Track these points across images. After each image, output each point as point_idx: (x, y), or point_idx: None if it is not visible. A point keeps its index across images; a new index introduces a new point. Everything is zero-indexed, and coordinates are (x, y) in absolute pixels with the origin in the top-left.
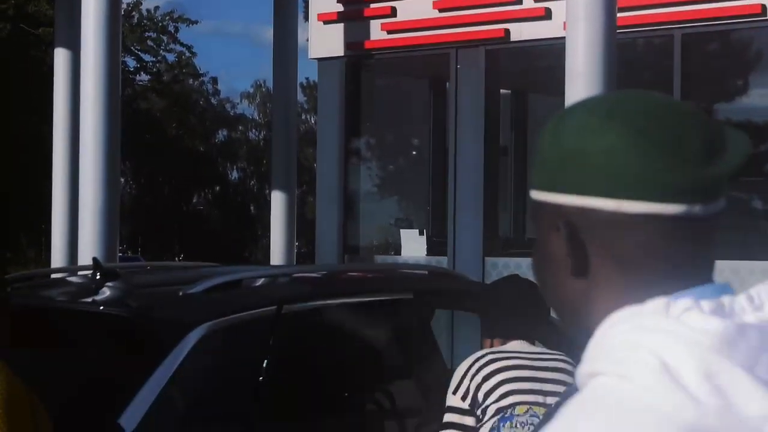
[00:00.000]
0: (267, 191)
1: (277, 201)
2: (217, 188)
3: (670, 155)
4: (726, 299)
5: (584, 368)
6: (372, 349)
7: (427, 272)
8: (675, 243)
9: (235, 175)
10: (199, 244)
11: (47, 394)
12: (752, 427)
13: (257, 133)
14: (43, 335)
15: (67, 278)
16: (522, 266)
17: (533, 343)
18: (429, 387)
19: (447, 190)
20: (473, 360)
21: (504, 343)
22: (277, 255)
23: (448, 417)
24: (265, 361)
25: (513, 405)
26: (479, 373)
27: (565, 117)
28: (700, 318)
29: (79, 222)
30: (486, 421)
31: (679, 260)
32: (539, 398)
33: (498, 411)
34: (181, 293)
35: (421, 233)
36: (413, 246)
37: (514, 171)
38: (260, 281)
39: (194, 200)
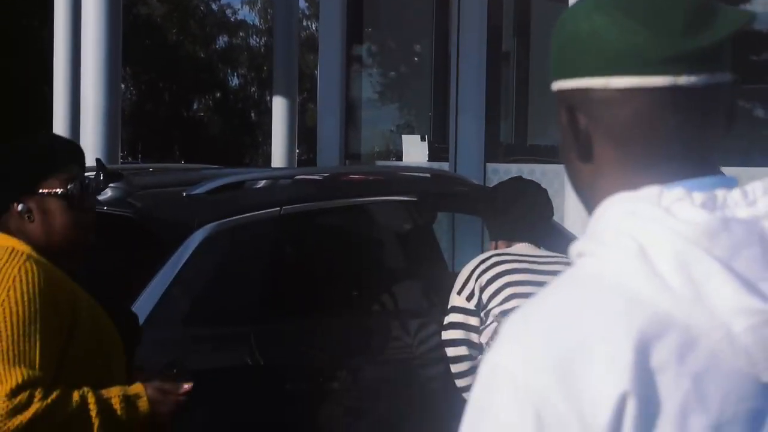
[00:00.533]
0: (268, 98)
1: (279, 108)
2: (218, 94)
3: (651, 28)
4: (721, 192)
5: (574, 248)
6: (374, 251)
7: (429, 175)
8: (667, 118)
9: (235, 81)
10: (199, 150)
11: None
12: (721, 321)
13: (258, 40)
14: None
15: None
16: (524, 172)
17: (539, 247)
18: (430, 289)
19: (449, 96)
20: (479, 261)
21: (509, 246)
22: (278, 161)
23: (453, 317)
24: (268, 261)
25: (515, 309)
26: (484, 275)
27: (567, 10)
28: (688, 209)
29: (81, 126)
30: (488, 324)
31: (675, 139)
32: None
33: (500, 314)
34: (184, 194)
35: (422, 139)
36: (414, 152)
37: (517, 77)
38: (263, 183)
39: (194, 107)
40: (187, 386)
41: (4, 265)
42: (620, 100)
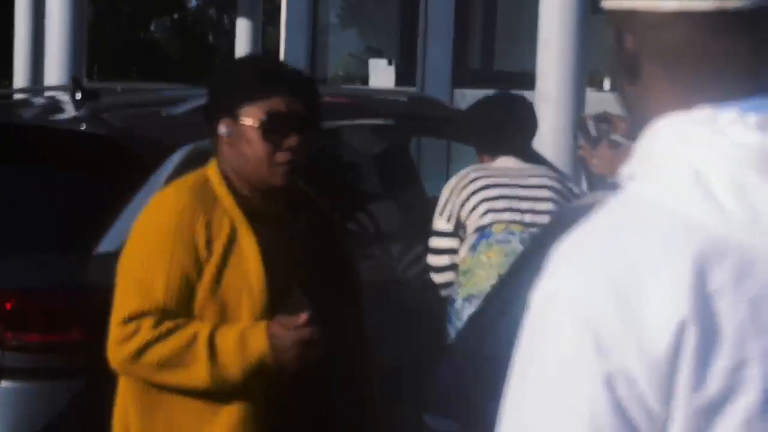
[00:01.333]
0: (226, 20)
1: (242, 30)
2: (175, 16)
3: None
4: None
5: (624, 170)
6: (353, 174)
7: (407, 99)
8: (716, 41)
9: (193, 3)
10: (156, 72)
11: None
12: None
13: None
14: (20, 152)
15: (44, 97)
16: None
17: (525, 161)
18: (411, 212)
19: (417, 21)
20: (458, 179)
21: (493, 160)
22: None
23: (436, 242)
24: None
25: (491, 224)
26: (462, 192)
27: None
28: (742, 131)
29: (45, 42)
30: (466, 239)
31: (726, 62)
32: (516, 216)
33: (476, 230)
34: (164, 114)
35: (389, 63)
36: (381, 76)
37: (483, 1)
38: None
39: (152, 28)
40: (305, 316)
41: (160, 190)
42: (668, 23)
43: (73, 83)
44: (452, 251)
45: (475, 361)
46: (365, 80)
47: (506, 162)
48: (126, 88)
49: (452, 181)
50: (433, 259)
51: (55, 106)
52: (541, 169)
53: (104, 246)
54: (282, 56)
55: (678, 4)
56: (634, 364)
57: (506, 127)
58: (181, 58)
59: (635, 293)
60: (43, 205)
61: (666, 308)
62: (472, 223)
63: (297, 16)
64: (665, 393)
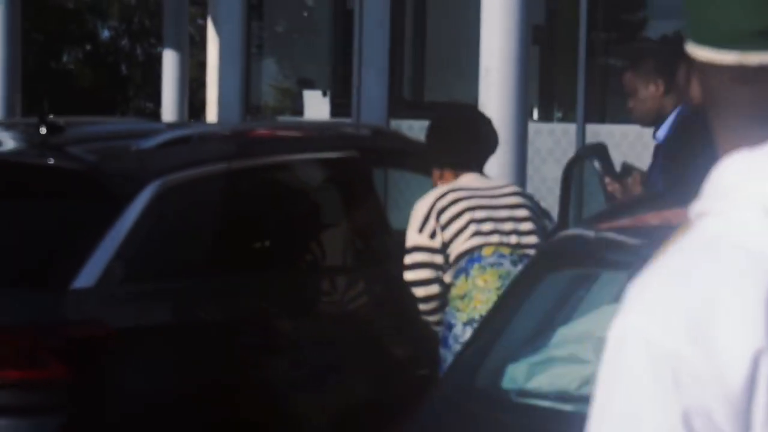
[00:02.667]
0: (139, 51)
1: (169, 60)
2: (88, 47)
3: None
4: None
5: (695, 208)
6: (317, 206)
7: (370, 131)
8: (744, 89)
9: (105, 33)
10: (68, 103)
11: None
12: None
13: None
14: None
15: (8, 131)
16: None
17: (486, 177)
18: (375, 244)
19: (351, 51)
20: (434, 198)
21: (456, 175)
22: (169, 115)
23: (418, 256)
24: (218, 216)
25: (479, 246)
26: (444, 213)
27: None
28: None
29: None
30: (452, 263)
31: (760, 109)
32: (503, 238)
33: (465, 253)
34: (134, 147)
35: (324, 94)
36: (316, 107)
37: (414, 31)
38: (211, 137)
39: (64, 58)
40: None
41: None
42: (710, 70)
43: (39, 117)
44: (435, 266)
45: (465, 393)
46: (298, 111)
47: (472, 179)
48: (89, 121)
49: (428, 200)
50: (414, 274)
51: (20, 139)
52: (510, 186)
53: (80, 281)
54: (215, 86)
55: (707, 55)
56: (711, 399)
57: (472, 142)
58: (94, 88)
59: (711, 327)
60: (16, 240)
61: (741, 339)
62: (457, 246)
63: (229, 46)
64: (742, 426)
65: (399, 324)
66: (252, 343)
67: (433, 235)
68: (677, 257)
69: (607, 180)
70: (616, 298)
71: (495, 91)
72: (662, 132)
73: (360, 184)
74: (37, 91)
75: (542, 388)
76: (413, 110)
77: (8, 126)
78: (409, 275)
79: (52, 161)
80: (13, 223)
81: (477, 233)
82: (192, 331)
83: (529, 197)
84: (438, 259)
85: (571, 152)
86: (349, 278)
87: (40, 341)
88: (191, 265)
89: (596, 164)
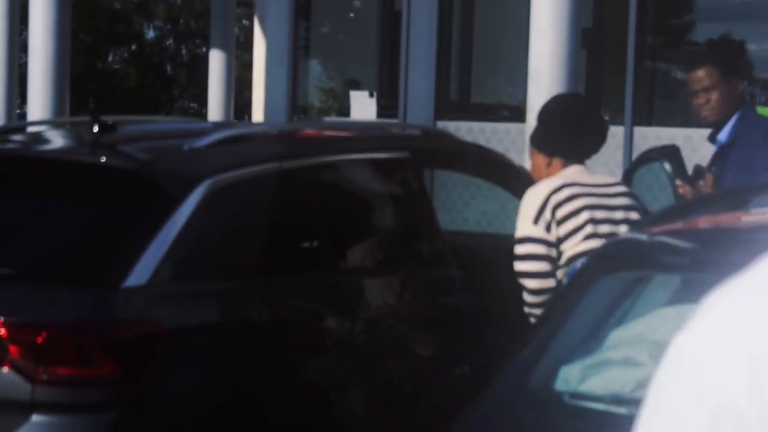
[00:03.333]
0: (184, 51)
1: (215, 60)
2: (133, 47)
3: None
4: None
5: None
6: (368, 207)
7: (420, 132)
8: None
9: (151, 33)
10: (114, 103)
11: (53, 243)
12: None
13: None
14: (44, 186)
15: (60, 130)
16: (474, 130)
17: (590, 170)
18: (425, 247)
19: (397, 52)
20: (549, 191)
21: (565, 165)
22: (215, 115)
23: (532, 248)
24: (268, 215)
25: (591, 249)
26: (561, 209)
27: None
28: None
29: (28, 74)
30: (565, 263)
31: None
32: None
33: (580, 254)
34: (186, 147)
35: (371, 95)
36: (362, 108)
37: (462, 34)
38: (262, 137)
39: (110, 59)
40: None
41: None
42: None
43: (92, 117)
44: (551, 259)
45: (519, 394)
46: (344, 112)
47: (579, 172)
48: (139, 121)
49: (541, 191)
50: (528, 265)
51: (72, 138)
52: (620, 185)
53: (132, 280)
54: (262, 87)
55: None
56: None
57: (591, 135)
58: (139, 88)
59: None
60: (68, 239)
61: None
62: (572, 245)
63: (276, 47)
64: None
65: (449, 323)
66: (302, 343)
67: (548, 228)
68: (752, 280)
69: (678, 183)
70: (670, 301)
71: (544, 94)
72: (724, 135)
73: (411, 184)
74: (83, 91)
75: (596, 390)
76: (460, 112)
77: (59, 125)
78: (522, 266)
79: (104, 159)
80: (66, 221)
81: (594, 235)
82: (242, 331)
83: (637, 197)
84: (554, 252)
85: (618, 155)
86: (400, 279)
87: (92, 339)
88: (242, 264)
89: (667, 166)
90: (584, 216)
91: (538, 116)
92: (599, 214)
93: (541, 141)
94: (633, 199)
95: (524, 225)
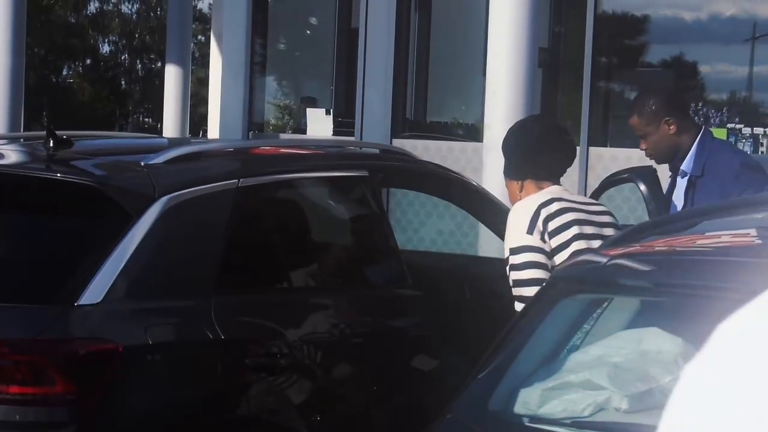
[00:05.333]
0: (138, 66)
1: (171, 75)
2: (88, 61)
3: None
4: None
5: None
6: (326, 225)
7: (378, 150)
8: None
9: (106, 48)
10: (68, 116)
11: (6, 258)
12: None
13: (130, 6)
14: None
15: (14, 145)
16: (430, 149)
17: (567, 189)
18: (384, 265)
19: (354, 70)
20: (538, 204)
21: (539, 186)
22: (170, 131)
23: (530, 256)
24: (225, 233)
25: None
26: (552, 221)
27: None
28: None
29: None
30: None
31: None
32: None
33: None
34: (143, 163)
35: (327, 113)
36: (319, 125)
37: (418, 51)
38: (219, 154)
39: (64, 72)
40: None
41: None
42: None
43: (48, 131)
44: (548, 269)
45: (477, 417)
46: (301, 129)
47: (558, 190)
48: (95, 136)
49: (529, 204)
50: (526, 273)
51: (27, 153)
52: (599, 204)
53: (87, 298)
54: (218, 103)
55: None
56: None
57: (561, 154)
58: (93, 102)
59: None
60: (22, 255)
61: None
62: (561, 258)
63: (232, 62)
64: None
65: (406, 343)
66: (257, 362)
67: (543, 239)
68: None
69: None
70: (629, 323)
71: (501, 112)
72: (689, 164)
73: (369, 203)
74: (37, 105)
75: (555, 414)
76: (416, 130)
77: (13, 140)
78: (519, 274)
79: (59, 175)
80: (20, 237)
81: (586, 250)
82: (197, 349)
83: (614, 217)
84: (550, 263)
85: (575, 175)
86: (357, 298)
87: (46, 356)
88: (198, 282)
89: (642, 187)
90: (574, 230)
91: (501, 145)
92: (588, 230)
93: (507, 168)
94: (614, 218)
95: (518, 236)
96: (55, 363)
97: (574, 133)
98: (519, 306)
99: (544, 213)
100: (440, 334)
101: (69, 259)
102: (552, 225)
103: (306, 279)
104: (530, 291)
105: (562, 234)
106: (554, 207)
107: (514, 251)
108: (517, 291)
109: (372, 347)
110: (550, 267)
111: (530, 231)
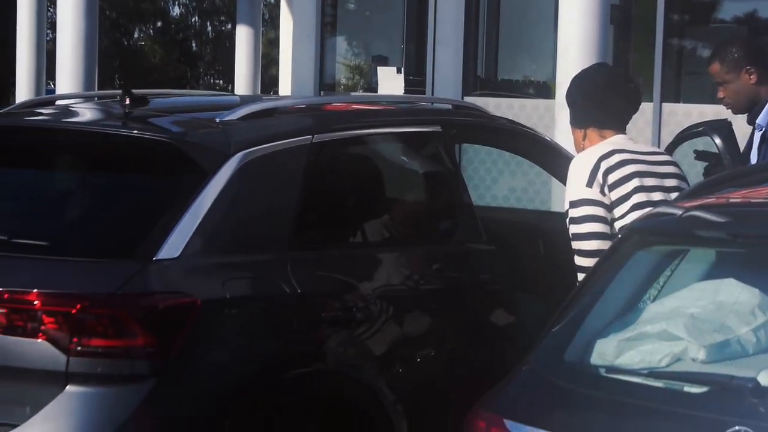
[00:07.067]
0: (209, 28)
1: (242, 36)
2: (159, 24)
3: None
4: None
5: None
6: (401, 180)
7: (451, 106)
8: None
9: (176, 11)
10: (140, 79)
11: (86, 214)
12: None
13: None
14: (76, 158)
15: (91, 103)
16: (501, 106)
17: (631, 139)
18: (456, 219)
19: (425, 29)
20: (598, 156)
21: (601, 135)
22: (242, 92)
23: (590, 210)
24: (299, 189)
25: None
26: (612, 174)
27: None
28: None
29: (57, 49)
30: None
31: None
32: None
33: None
34: (218, 119)
35: (398, 71)
36: (390, 84)
37: (488, 8)
38: (294, 111)
39: (135, 36)
40: None
41: None
42: None
43: (123, 90)
44: (608, 222)
45: (554, 368)
46: (372, 88)
47: (622, 140)
48: (169, 94)
49: (590, 157)
50: (587, 227)
51: (104, 112)
52: (664, 154)
53: (165, 252)
54: (289, 64)
55: None
56: None
57: (626, 104)
58: (163, 65)
59: None
60: (102, 211)
61: None
62: (621, 211)
63: (304, 23)
64: None
65: (481, 298)
66: (333, 316)
67: (602, 192)
68: None
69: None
70: (706, 275)
71: (573, 70)
72: (765, 118)
73: (442, 158)
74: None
75: (631, 364)
76: (487, 88)
77: (89, 98)
78: (578, 228)
79: (135, 132)
80: (99, 194)
81: (646, 203)
82: (274, 304)
83: (681, 168)
84: (609, 216)
85: (647, 132)
86: (431, 253)
87: (126, 310)
88: (274, 237)
89: (717, 141)
90: (634, 182)
91: (566, 94)
92: (649, 182)
93: (571, 117)
94: (679, 169)
95: (577, 189)
96: (135, 317)
97: (646, 89)
98: (579, 260)
99: (604, 165)
100: (514, 289)
101: (146, 215)
102: (612, 178)
103: (380, 233)
104: (589, 245)
105: (622, 187)
106: (615, 159)
107: (574, 204)
108: (576, 244)
109: (447, 301)
110: (609, 220)
111: (590, 184)
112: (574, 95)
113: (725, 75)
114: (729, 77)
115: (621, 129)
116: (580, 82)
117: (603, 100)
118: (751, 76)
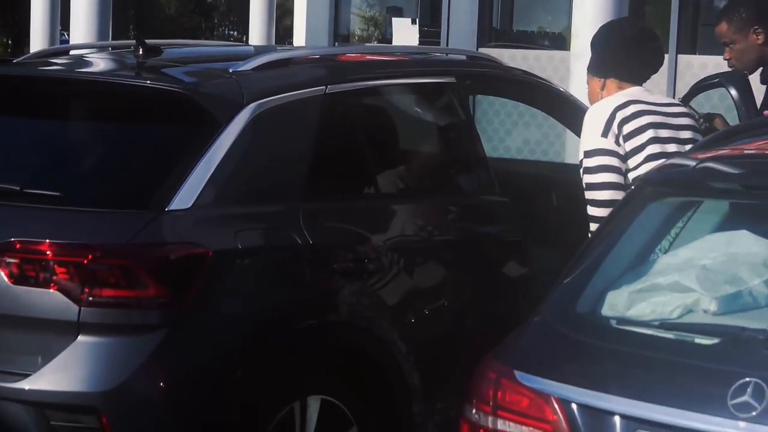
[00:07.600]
0: None
1: None
2: None
3: None
4: None
5: None
6: (415, 131)
7: (465, 57)
8: None
9: None
10: (153, 30)
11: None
12: None
13: None
14: (88, 108)
15: (104, 53)
16: (516, 57)
17: (649, 91)
18: (470, 167)
19: None
20: (614, 107)
21: (620, 86)
22: (256, 43)
23: (604, 159)
24: (313, 139)
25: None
26: (627, 124)
27: None
28: None
29: (71, 3)
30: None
31: None
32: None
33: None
34: (231, 70)
35: (413, 22)
36: (405, 35)
37: None
38: (306, 61)
39: None
40: None
41: None
42: None
43: (137, 40)
44: (622, 172)
45: (565, 319)
46: (386, 40)
47: (639, 92)
48: (183, 44)
49: (605, 107)
50: (600, 177)
51: (117, 61)
52: (680, 105)
53: (177, 203)
54: (304, 14)
55: None
56: None
57: (648, 57)
58: (177, 15)
59: None
60: (114, 161)
61: None
62: (635, 161)
63: None
64: None
65: (494, 249)
66: (345, 268)
67: (618, 142)
68: None
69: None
70: (719, 226)
71: (589, 21)
72: None
73: (456, 110)
74: (123, 19)
75: (644, 315)
76: (502, 39)
77: (102, 48)
78: (592, 177)
79: (148, 82)
80: (111, 144)
81: (661, 154)
82: (286, 255)
83: (695, 119)
84: (624, 167)
85: (662, 83)
86: (444, 205)
87: (138, 261)
88: (286, 188)
89: (733, 92)
90: (649, 133)
91: (591, 41)
92: (664, 133)
93: (592, 64)
94: (694, 121)
95: (592, 138)
96: (146, 267)
97: (663, 40)
98: (592, 210)
99: (619, 116)
100: (528, 240)
101: (158, 165)
102: (627, 128)
103: (393, 185)
104: (603, 194)
105: (637, 137)
106: (630, 110)
107: (588, 154)
108: (589, 194)
109: (459, 253)
110: (624, 170)
111: (605, 134)
112: (600, 43)
113: (732, 35)
114: (736, 37)
115: (639, 84)
116: (610, 29)
117: (630, 53)
118: (759, 36)
